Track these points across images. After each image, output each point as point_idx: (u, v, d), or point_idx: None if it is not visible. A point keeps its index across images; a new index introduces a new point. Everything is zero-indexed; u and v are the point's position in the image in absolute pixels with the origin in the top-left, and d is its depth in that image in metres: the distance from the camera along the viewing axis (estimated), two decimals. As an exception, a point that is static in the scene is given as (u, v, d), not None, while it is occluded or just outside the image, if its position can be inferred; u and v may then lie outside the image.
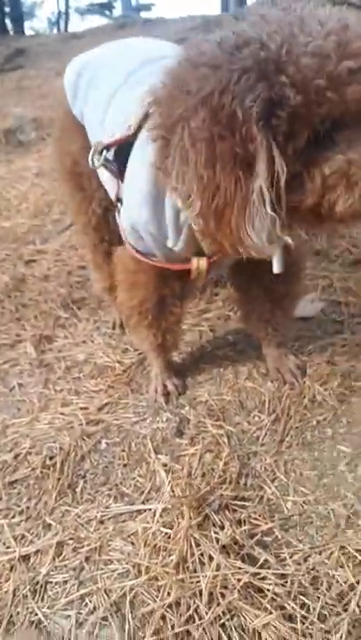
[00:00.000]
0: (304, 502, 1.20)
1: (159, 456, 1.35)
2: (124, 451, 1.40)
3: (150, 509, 1.20)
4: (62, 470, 1.37)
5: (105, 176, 1.29)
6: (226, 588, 1.03)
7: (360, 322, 1.65)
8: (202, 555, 1.08)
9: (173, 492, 1.22)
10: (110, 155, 1.21)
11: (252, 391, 1.50)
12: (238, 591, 1.02)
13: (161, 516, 1.18)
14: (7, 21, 18.35)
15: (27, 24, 21.36)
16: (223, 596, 1.02)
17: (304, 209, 0.91)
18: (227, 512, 1.17)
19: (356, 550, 1.07)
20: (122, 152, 1.20)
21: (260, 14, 0.89)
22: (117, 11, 17.10)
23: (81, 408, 1.56)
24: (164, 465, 1.32)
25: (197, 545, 1.09)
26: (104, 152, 1.19)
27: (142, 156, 1.13)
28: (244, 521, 1.16)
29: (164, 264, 1.24)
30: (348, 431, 1.34)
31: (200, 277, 1.26)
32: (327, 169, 0.86)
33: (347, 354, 1.54)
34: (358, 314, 1.68)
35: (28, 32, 18.91)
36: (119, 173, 1.22)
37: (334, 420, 1.38)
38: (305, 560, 1.08)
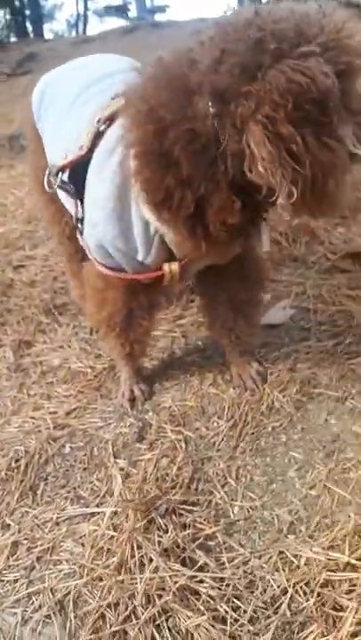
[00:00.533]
0: (251, 507, 1.23)
1: (118, 460, 1.39)
2: (85, 455, 1.44)
3: (101, 512, 1.25)
4: (26, 473, 1.42)
5: (62, 196, 1.33)
6: (163, 589, 1.06)
7: (326, 329, 1.67)
8: (143, 557, 1.12)
9: (122, 495, 1.27)
10: (65, 176, 1.25)
11: (214, 397, 1.53)
12: (174, 593, 1.05)
13: (111, 518, 1.22)
14: (27, 24, 18.61)
15: (47, 26, 21.64)
16: (160, 597, 1.06)
17: None
18: (173, 516, 1.20)
19: (294, 555, 1.10)
20: (77, 172, 1.24)
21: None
22: (133, 13, 17.32)
23: (50, 412, 1.61)
24: (121, 469, 1.36)
25: (139, 547, 1.13)
26: (59, 174, 1.23)
27: (100, 174, 1.17)
28: (189, 525, 1.19)
29: (134, 277, 1.26)
30: (302, 438, 1.37)
31: (174, 282, 1.28)
32: None
33: (309, 361, 1.57)
34: (325, 321, 1.70)
35: (47, 35, 19.18)
36: (77, 193, 1.26)
37: (290, 426, 1.40)
38: (244, 564, 1.11)
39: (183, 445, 1.40)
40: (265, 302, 1.69)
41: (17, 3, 17.52)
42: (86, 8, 20.06)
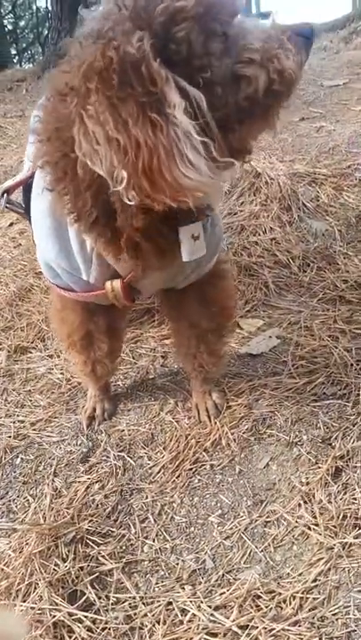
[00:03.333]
0: (160, 549, 1.18)
1: (55, 479, 1.40)
2: (31, 469, 1.46)
3: (15, 530, 1.25)
4: (-26, 478, 1.46)
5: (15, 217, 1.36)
6: (40, 622, 1.05)
7: (303, 365, 1.56)
8: (31, 584, 1.11)
9: (38, 516, 1.26)
10: (14, 197, 1.27)
11: (168, 425, 1.49)
12: (48, 627, 1.03)
13: (20, 537, 1.22)
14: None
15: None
16: (36, 628, 1.04)
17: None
18: (79, 545, 1.19)
19: (181, 610, 1.05)
20: (27, 193, 1.25)
21: None
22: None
23: (18, 421, 1.65)
24: (55, 489, 1.36)
25: (31, 574, 1.12)
26: (5, 195, 1.25)
27: (37, 193, 1.18)
28: (92, 557, 1.17)
29: (79, 296, 1.25)
30: (236, 481, 1.28)
31: (119, 300, 1.24)
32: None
33: (273, 398, 1.47)
34: (305, 356, 1.59)
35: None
36: (28, 214, 1.28)
37: (229, 466, 1.32)
38: (131, 607, 1.07)
39: (120, 472, 1.37)
40: (233, 331, 1.61)
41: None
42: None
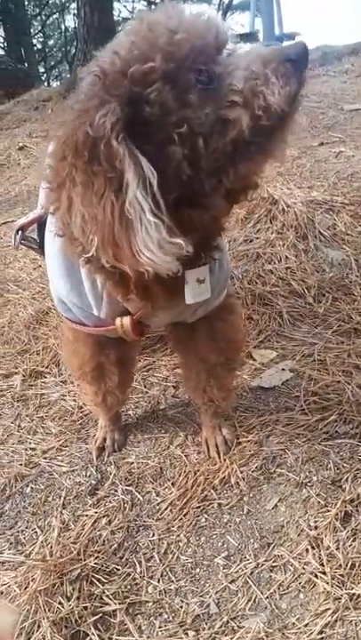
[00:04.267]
0: (165, 590, 1.17)
1: (63, 512, 1.40)
2: (40, 499, 1.46)
3: (22, 564, 1.26)
4: (-16, 507, 1.47)
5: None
6: (42, 662, 1.05)
7: (316, 401, 1.54)
8: (35, 622, 1.10)
9: (45, 550, 1.26)
10: (34, 233, 1.30)
11: (177, 460, 1.48)
12: (49, 668, 1.03)
13: (27, 572, 1.23)
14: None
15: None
16: (38, 669, 1.04)
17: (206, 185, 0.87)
18: (84, 583, 1.18)
19: (183, 656, 1.03)
20: (41, 230, 1.28)
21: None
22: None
23: (30, 448, 1.66)
24: (63, 522, 1.36)
25: (35, 612, 1.12)
26: (19, 232, 1.28)
27: (50, 230, 1.20)
28: (96, 596, 1.16)
29: (91, 330, 1.26)
30: (244, 522, 1.27)
31: (128, 335, 1.26)
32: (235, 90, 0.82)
33: (284, 435, 1.46)
34: (318, 392, 1.57)
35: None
36: (41, 250, 1.30)
37: (237, 506, 1.31)
38: (133, 652, 1.06)
39: (128, 507, 1.37)
40: (243, 364, 1.60)
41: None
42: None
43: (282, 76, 0.80)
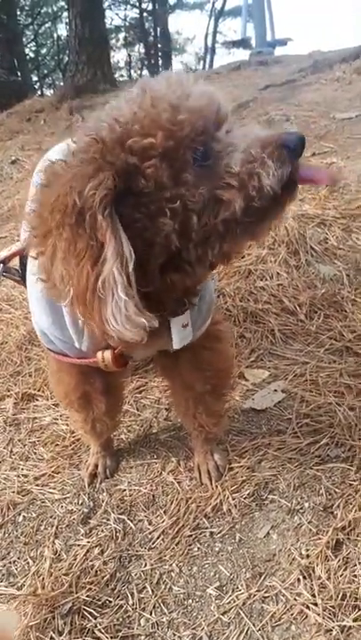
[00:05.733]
0: (157, 622, 1.16)
1: (56, 541, 1.39)
2: (32, 528, 1.46)
3: (15, 597, 1.25)
4: (-23, 537, 1.46)
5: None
6: None
7: (308, 424, 1.54)
8: (25, 660, 1.10)
9: (36, 582, 1.25)
10: (16, 265, 1.30)
11: (169, 486, 1.48)
12: None
13: (19, 607, 1.22)
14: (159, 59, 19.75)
15: (178, 58, 22.75)
16: None
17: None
18: (76, 617, 1.18)
19: None
20: (23, 262, 1.28)
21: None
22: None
23: (22, 475, 1.65)
24: (55, 552, 1.36)
25: (27, 648, 1.12)
26: (1, 265, 1.28)
27: (33, 265, 1.20)
28: (88, 631, 1.16)
29: (74, 361, 1.27)
30: (236, 550, 1.27)
31: (109, 368, 1.26)
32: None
33: (276, 459, 1.45)
34: (310, 414, 1.57)
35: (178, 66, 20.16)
36: (23, 282, 1.30)
37: (229, 534, 1.31)
38: None
39: (120, 536, 1.36)
40: (233, 389, 1.60)
41: (150, 38, 18.63)
42: (214, 41, 20.71)
43: (276, 160, 0.83)
